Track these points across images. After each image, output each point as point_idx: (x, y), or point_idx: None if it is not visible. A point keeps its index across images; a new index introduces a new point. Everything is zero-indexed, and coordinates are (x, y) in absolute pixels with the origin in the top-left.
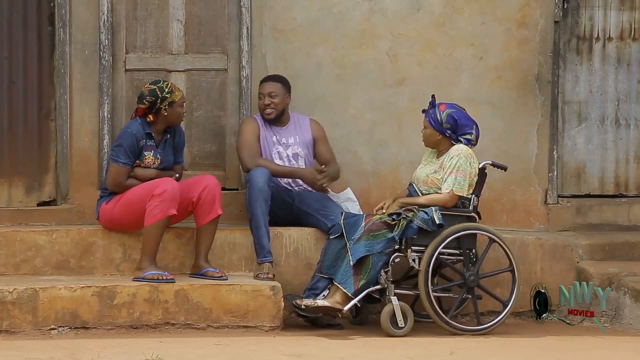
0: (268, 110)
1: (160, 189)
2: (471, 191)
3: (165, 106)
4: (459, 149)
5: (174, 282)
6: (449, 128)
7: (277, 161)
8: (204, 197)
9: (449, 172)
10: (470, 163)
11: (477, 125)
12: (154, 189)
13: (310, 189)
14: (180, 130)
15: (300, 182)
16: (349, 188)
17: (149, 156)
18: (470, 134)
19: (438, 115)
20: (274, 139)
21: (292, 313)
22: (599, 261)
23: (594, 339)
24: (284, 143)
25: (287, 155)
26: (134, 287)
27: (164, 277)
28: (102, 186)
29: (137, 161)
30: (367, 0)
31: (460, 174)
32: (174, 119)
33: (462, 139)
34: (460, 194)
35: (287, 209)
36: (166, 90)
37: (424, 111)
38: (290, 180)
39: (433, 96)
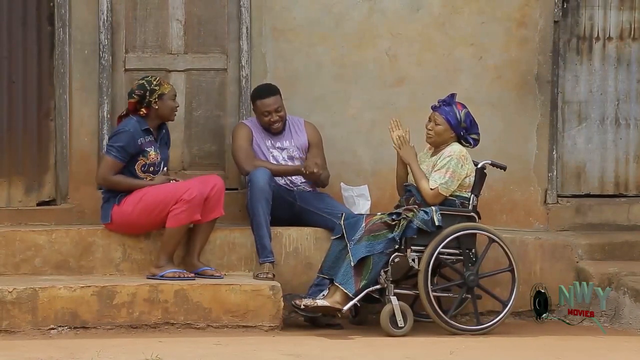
0: (276, 125)
1: (189, 194)
2: (464, 190)
3: (155, 99)
4: (452, 150)
5: (195, 279)
6: (465, 127)
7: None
8: (212, 195)
9: (440, 170)
10: (461, 165)
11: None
12: (183, 193)
13: (309, 188)
14: (167, 128)
15: (299, 181)
16: (366, 185)
17: (152, 152)
18: (478, 134)
19: (457, 114)
20: (269, 143)
21: (292, 313)
22: (599, 261)
23: (594, 339)
24: (278, 147)
25: (284, 158)
26: (134, 287)
27: (185, 275)
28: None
29: (142, 158)
30: (366, 0)
31: (450, 174)
32: (167, 113)
33: (470, 139)
34: (444, 194)
35: (288, 209)
36: (154, 83)
37: (434, 107)
38: (289, 180)
39: (454, 94)
